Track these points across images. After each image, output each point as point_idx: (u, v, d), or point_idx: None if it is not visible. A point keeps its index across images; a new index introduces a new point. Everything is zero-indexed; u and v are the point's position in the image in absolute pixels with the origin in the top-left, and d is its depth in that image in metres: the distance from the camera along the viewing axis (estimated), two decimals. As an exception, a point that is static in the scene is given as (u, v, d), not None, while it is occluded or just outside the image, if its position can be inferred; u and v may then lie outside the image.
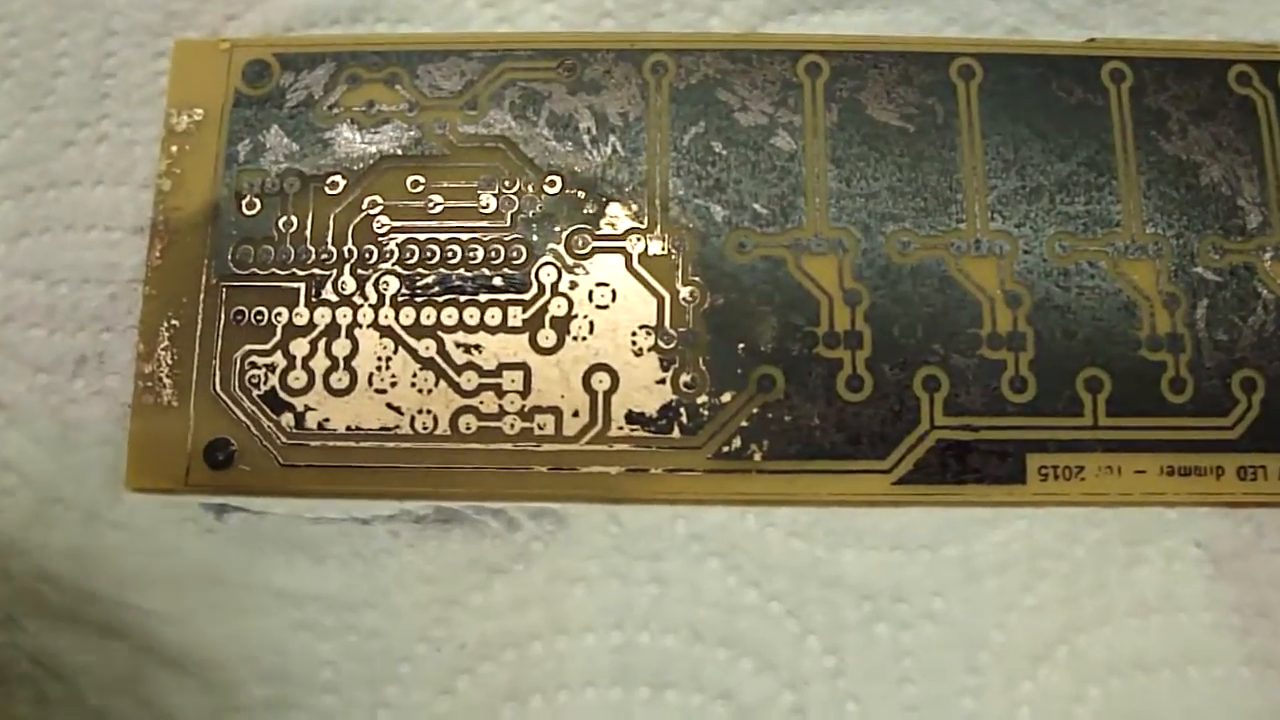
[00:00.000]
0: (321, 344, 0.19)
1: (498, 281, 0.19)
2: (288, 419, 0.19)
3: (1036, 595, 0.18)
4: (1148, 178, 0.19)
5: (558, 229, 0.19)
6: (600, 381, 0.19)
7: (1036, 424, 0.18)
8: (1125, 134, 0.20)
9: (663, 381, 0.19)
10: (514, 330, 0.19)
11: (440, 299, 0.19)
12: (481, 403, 0.19)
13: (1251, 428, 0.19)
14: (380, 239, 0.19)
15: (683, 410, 0.18)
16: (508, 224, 0.19)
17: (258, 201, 0.19)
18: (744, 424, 0.18)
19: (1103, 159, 0.20)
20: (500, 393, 0.19)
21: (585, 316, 0.19)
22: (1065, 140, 0.20)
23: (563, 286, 0.19)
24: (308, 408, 0.19)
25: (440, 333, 0.19)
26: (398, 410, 0.19)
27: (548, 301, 0.19)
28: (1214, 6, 0.20)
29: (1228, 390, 0.19)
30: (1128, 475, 0.18)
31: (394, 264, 0.19)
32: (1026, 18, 0.20)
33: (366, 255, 0.19)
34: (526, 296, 0.19)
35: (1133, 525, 0.18)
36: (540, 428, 0.18)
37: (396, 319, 0.19)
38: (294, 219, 0.19)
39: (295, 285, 0.19)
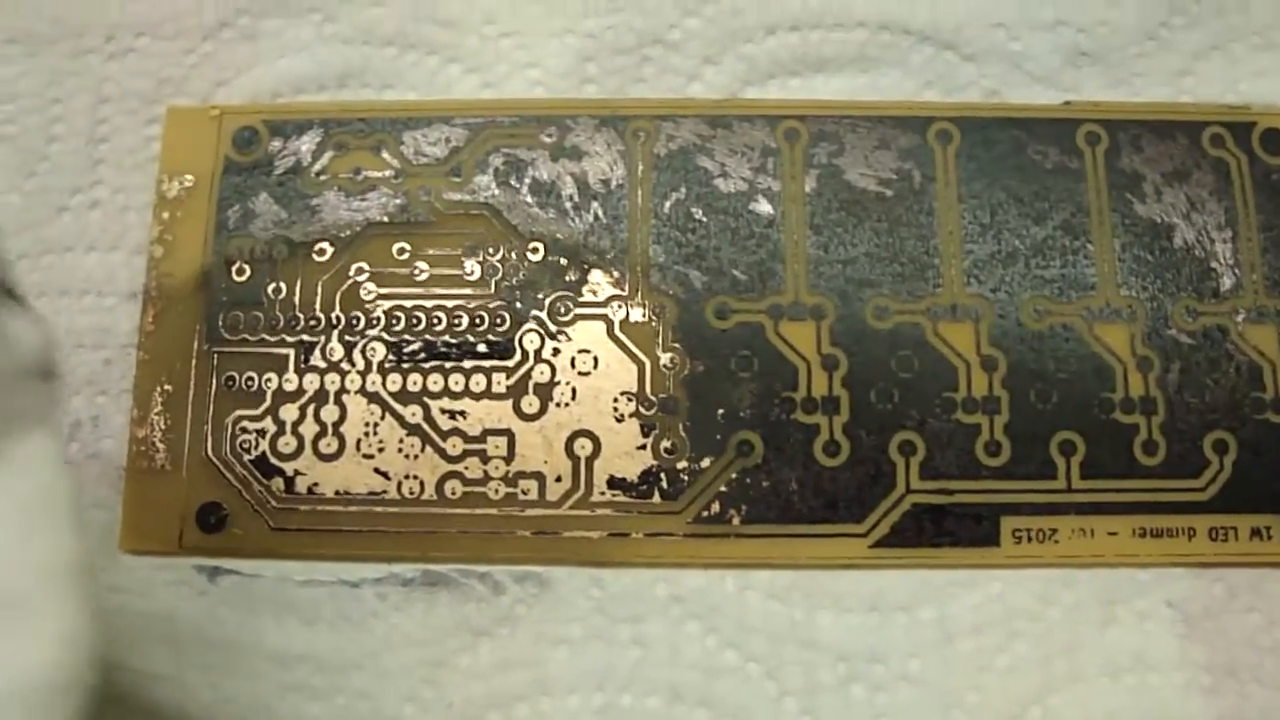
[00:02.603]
0: (310, 409, 0.19)
1: (482, 348, 0.19)
2: (278, 483, 0.19)
3: (1011, 656, 0.19)
4: (1122, 240, 0.20)
5: (540, 296, 0.20)
6: (582, 447, 0.19)
7: (1011, 487, 0.19)
8: (1100, 197, 0.20)
9: (644, 447, 0.19)
10: (498, 397, 0.19)
11: (426, 365, 0.19)
12: (467, 468, 0.19)
13: (1223, 489, 0.19)
14: (367, 305, 0.20)
15: (663, 475, 0.19)
16: (491, 291, 0.20)
17: (247, 268, 0.20)
18: (723, 489, 0.19)
19: (1078, 222, 0.20)
20: (485, 458, 0.19)
21: (568, 383, 0.19)
22: (1041, 204, 0.20)
23: (545, 353, 0.19)
24: (298, 472, 0.19)
25: (426, 399, 0.19)
26: (385, 475, 0.19)
27: (531, 368, 0.19)
28: (1188, 68, 0.21)
29: (1199, 452, 0.19)
30: (1101, 537, 0.19)
31: (381, 330, 0.20)
32: (1003, 79, 0.21)
33: (354, 321, 0.20)
34: (510, 363, 0.19)
35: (1106, 586, 0.19)
36: (524, 493, 0.19)
37: (384, 385, 0.19)
38: (283, 285, 0.20)
39: (285, 351, 0.20)
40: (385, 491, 0.19)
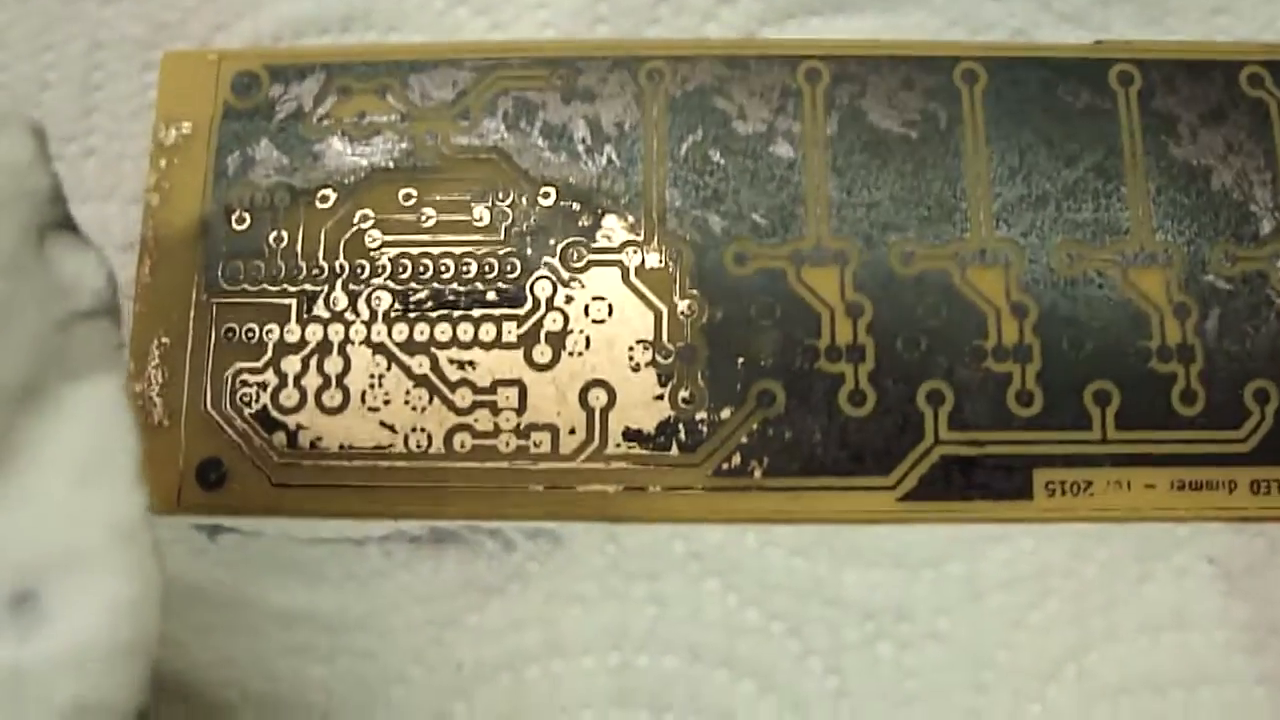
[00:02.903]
0: (313, 361, 0.19)
1: (491, 296, 0.19)
2: (280, 438, 0.18)
3: (1044, 613, 0.18)
4: (1157, 183, 0.19)
5: (552, 242, 0.19)
6: (597, 398, 0.18)
7: (1043, 438, 0.18)
8: (1134, 139, 0.19)
9: (661, 398, 0.18)
10: (508, 346, 0.18)
11: (433, 314, 0.19)
12: (476, 420, 0.18)
13: (1264, 440, 0.18)
14: (372, 253, 0.19)
15: (681, 427, 0.18)
16: (501, 237, 0.19)
17: (247, 216, 0.19)
18: (744, 440, 0.18)
19: (1111, 165, 0.19)
20: (495, 410, 0.18)
21: (581, 331, 0.19)
22: (1072, 146, 0.19)
23: (558, 301, 0.19)
24: (300, 426, 0.18)
25: (433, 349, 0.18)
26: (391, 429, 0.18)
27: (543, 316, 0.19)
28: (1224, 5, 0.20)
29: (1240, 402, 0.18)
30: (1137, 490, 0.18)
31: (386, 279, 0.19)
32: (1031, 19, 0.20)
33: (358, 270, 0.19)
34: (521, 311, 0.19)
35: (1143, 541, 0.18)
36: (536, 445, 0.18)
37: (389, 335, 0.19)
38: (284, 234, 0.19)
39: (286, 301, 0.19)
40: (391, 445, 0.18)
